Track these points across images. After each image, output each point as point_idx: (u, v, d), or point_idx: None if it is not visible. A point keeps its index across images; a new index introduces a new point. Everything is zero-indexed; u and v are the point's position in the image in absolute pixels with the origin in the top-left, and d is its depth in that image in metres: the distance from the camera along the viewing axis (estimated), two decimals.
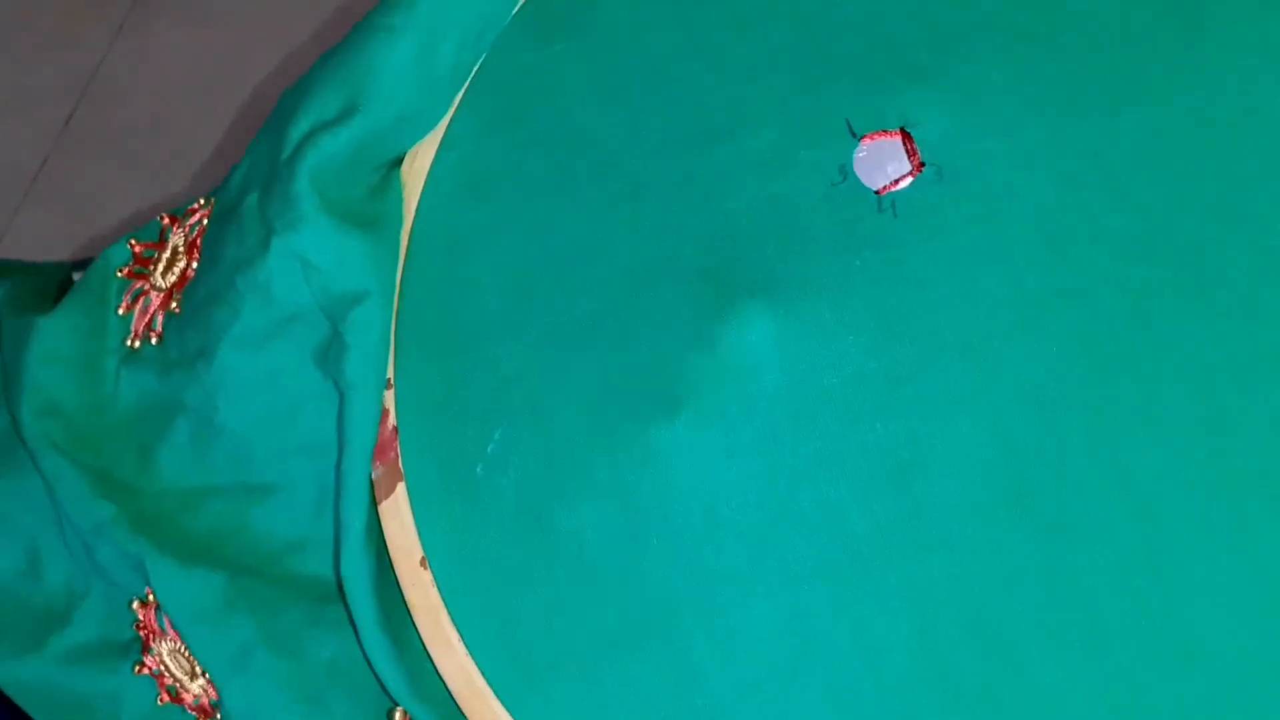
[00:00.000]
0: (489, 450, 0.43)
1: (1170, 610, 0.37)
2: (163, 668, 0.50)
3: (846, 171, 0.43)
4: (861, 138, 0.43)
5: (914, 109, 0.44)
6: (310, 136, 0.45)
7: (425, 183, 0.48)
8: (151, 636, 0.51)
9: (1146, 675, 0.37)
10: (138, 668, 0.51)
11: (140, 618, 0.51)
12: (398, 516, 0.43)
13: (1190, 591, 0.37)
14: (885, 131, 0.43)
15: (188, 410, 0.50)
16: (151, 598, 0.50)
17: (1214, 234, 0.40)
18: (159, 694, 0.50)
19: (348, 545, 0.43)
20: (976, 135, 0.43)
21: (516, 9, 0.49)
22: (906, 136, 0.43)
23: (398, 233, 0.47)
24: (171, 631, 0.49)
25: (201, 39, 1.08)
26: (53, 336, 0.52)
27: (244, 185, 0.50)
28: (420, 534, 0.43)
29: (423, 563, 0.43)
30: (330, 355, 0.46)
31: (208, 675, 0.47)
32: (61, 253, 0.98)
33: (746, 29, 0.47)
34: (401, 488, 0.44)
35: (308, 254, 0.45)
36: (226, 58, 1.04)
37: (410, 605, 0.43)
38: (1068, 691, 0.37)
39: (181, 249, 0.53)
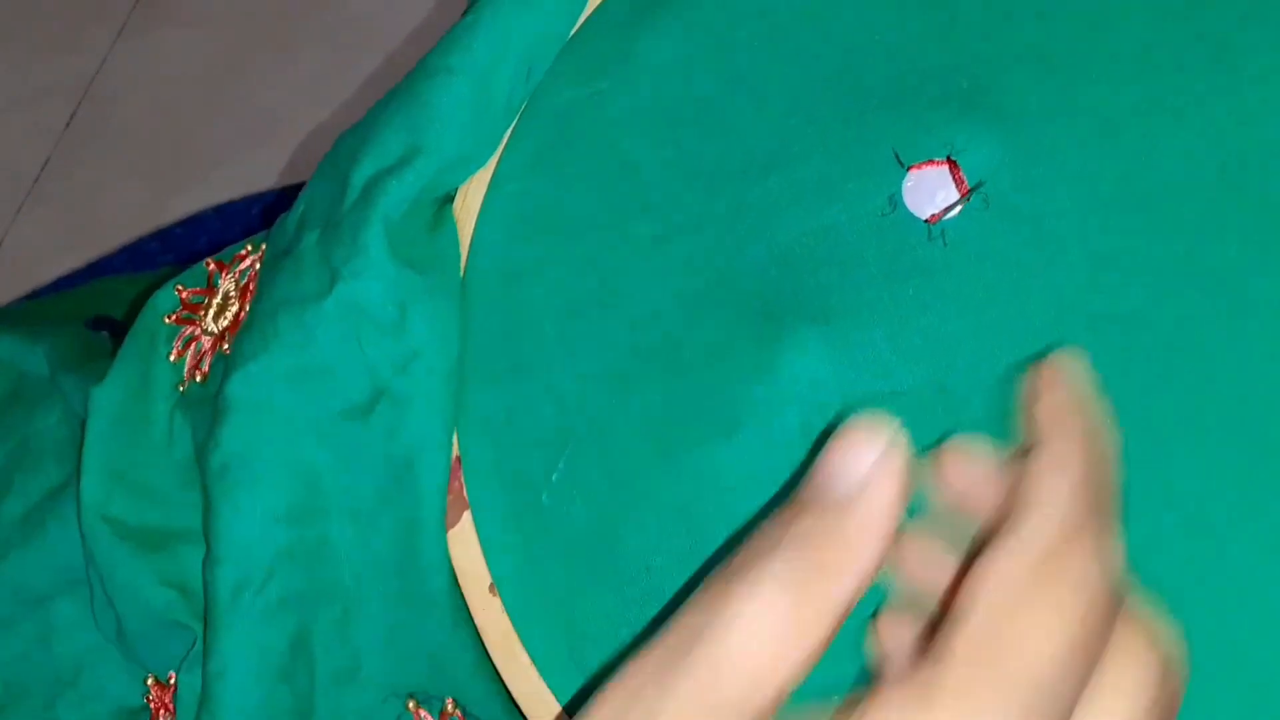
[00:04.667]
0: (554, 479, 0.44)
1: (1220, 624, 0.39)
2: None
3: (896, 201, 0.44)
4: (909, 168, 0.45)
5: (957, 137, 0.45)
6: (376, 181, 0.46)
7: (478, 218, 0.49)
8: (163, 713, 0.51)
9: (1193, 693, 0.39)
10: None
11: (152, 691, 0.51)
12: (465, 544, 0.45)
13: (1240, 604, 0.39)
14: (932, 161, 0.45)
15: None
16: (172, 681, 0.50)
17: (1249, 259, 0.42)
18: None
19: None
20: (1020, 162, 0.44)
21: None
22: (954, 165, 0.44)
23: (456, 275, 0.48)
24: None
25: (202, 41, 1.08)
26: (108, 405, 0.51)
27: (300, 226, 0.50)
28: (488, 560, 0.44)
29: (491, 589, 0.44)
30: (375, 416, 0.45)
31: None
32: (62, 254, 0.99)
33: (787, 64, 0.48)
34: (467, 516, 0.45)
35: (372, 304, 0.44)
36: (227, 60, 1.05)
37: (481, 630, 0.44)
38: None
39: (234, 294, 0.52)
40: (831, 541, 0.28)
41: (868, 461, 0.29)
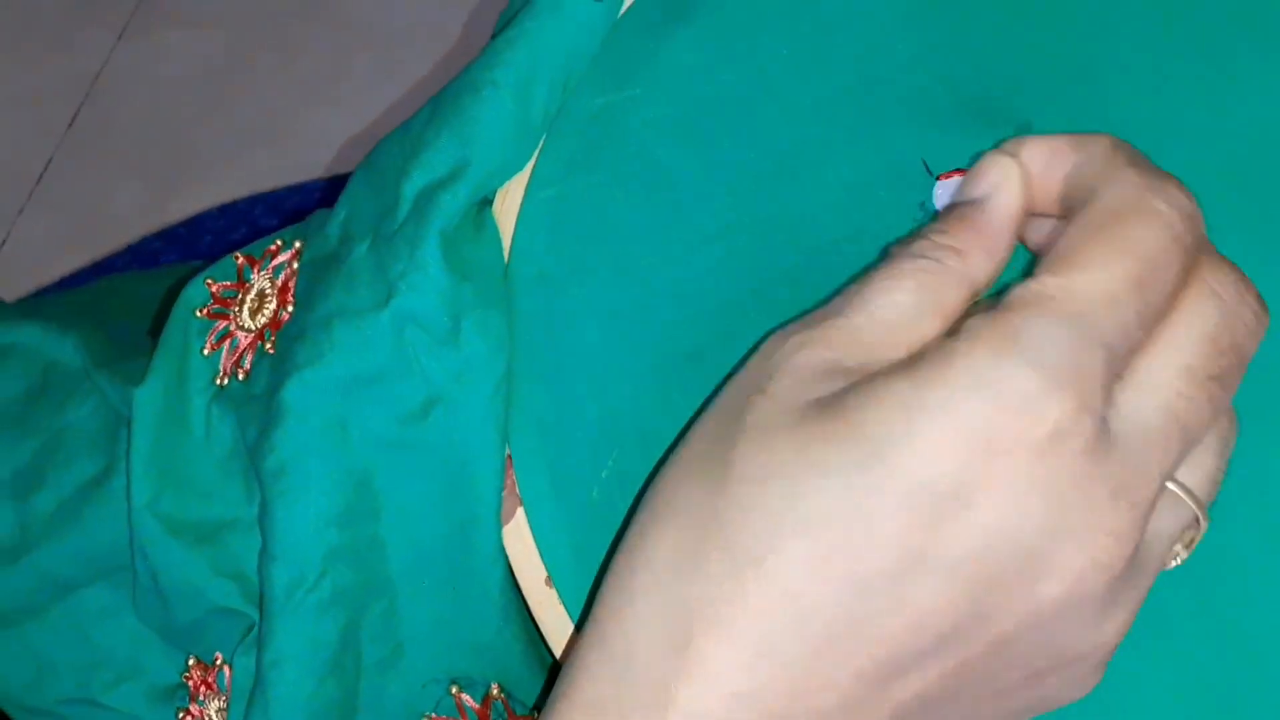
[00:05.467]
0: (603, 476, 0.46)
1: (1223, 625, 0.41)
2: None
3: (928, 208, 0.47)
4: (937, 177, 0.47)
5: (977, 144, 0.47)
6: (428, 195, 0.47)
7: (517, 223, 0.51)
8: (203, 690, 0.52)
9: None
10: (182, 714, 0.52)
11: (193, 671, 0.52)
12: (520, 539, 0.47)
13: (1240, 603, 0.41)
14: (960, 170, 0.47)
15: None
16: (218, 661, 0.51)
17: (1256, 261, 0.44)
18: None
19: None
20: None
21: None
22: None
23: (501, 281, 0.49)
24: (225, 694, 0.51)
25: (204, 42, 1.08)
26: (151, 404, 0.52)
27: (344, 234, 0.51)
28: (542, 554, 0.46)
29: (548, 581, 0.46)
30: (430, 422, 0.47)
31: None
32: (65, 254, 0.99)
33: (809, 71, 0.50)
34: (520, 512, 0.47)
35: (427, 316, 0.46)
36: (228, 60, 1.05)
37: (540, 623, 0.46)
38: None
39: (270, 292, 0.53)
40: (965, 226, 0.37)
41: (992, 180, 0.37)
